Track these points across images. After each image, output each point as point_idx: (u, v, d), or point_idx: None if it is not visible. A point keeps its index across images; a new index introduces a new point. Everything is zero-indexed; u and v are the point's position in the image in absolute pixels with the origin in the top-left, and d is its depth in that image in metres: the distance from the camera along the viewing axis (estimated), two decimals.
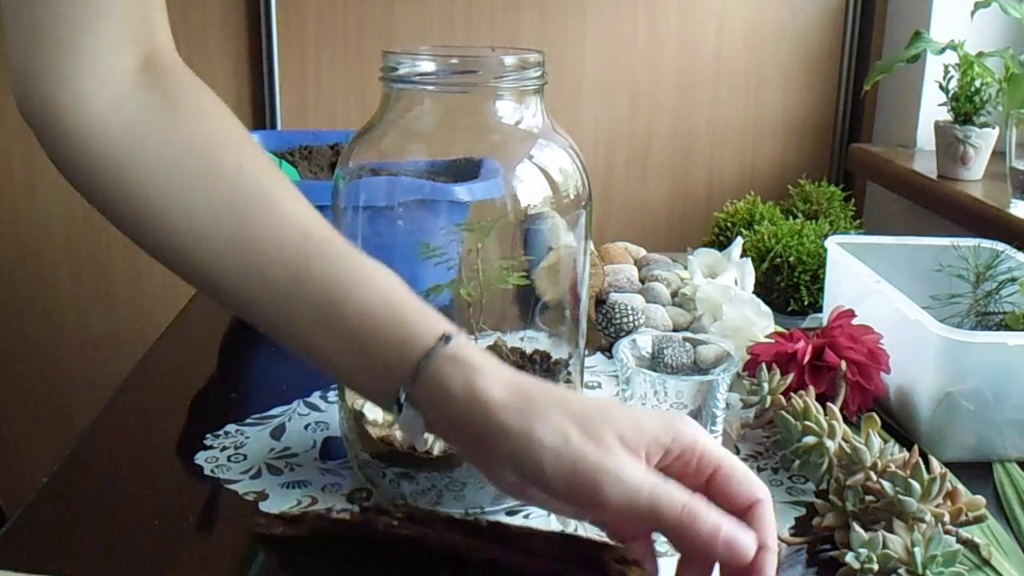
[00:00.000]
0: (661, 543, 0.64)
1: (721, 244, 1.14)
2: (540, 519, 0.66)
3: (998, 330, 0.85)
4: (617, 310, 0.93)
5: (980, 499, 0.64)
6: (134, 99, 0.56)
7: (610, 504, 0.47)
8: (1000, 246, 0.91)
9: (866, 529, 0.59)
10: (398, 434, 0.64)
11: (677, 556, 0.62)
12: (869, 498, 0.61)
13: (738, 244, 1.03)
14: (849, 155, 1.50)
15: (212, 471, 0.71)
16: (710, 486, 0.50)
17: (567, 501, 0.49)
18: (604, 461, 0.47)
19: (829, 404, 0.71)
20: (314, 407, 0.81)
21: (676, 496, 0.47)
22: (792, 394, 0.73)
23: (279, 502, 0.66)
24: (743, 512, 0.50)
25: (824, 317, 0.89)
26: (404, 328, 0.52)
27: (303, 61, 1.45)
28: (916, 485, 0.60)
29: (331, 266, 0.54)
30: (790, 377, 0.77)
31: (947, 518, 0.61)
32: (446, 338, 0.51)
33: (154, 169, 0.55)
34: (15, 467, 1.57)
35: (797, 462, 0.69)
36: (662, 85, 1.51)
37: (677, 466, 0.50)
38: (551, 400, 0.50)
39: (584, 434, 0.48)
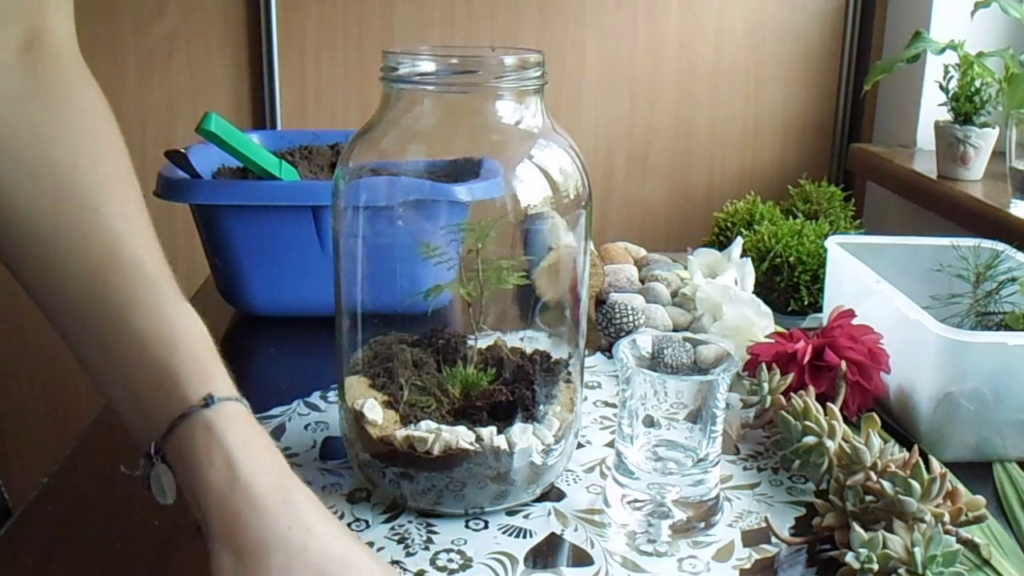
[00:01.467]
0: (661, 544, 0.64)
1: (721, 244, 1.14)
2: (540, 519, 0.66)
3: (998, 330, 0.85)
4: (617, 310, 0.93)
5: (980, 499, 0.64)
6: (2, 78, 0.53)
7: None
8: (1000, 246, 0.91)
9: (866, 529, 0.59)
10: (398, 434, 0.64)
11: (675, 557, 0.62)
12: (869, 498, 0.61)
13: (738, 244, 1.03)
14: (849, 155, 1.50)
15: None
16: None
17: None
18: None
19: (829, 404, 0.71)
20: (314, 407, 0.81)
21: None
22: (792, 394, 0.73)
23: None
24: None
25: (824, 317, 0.89)
26: (173, 378, 0.48)
27: (303, 61, 1.45)
28: (916, 485, 0.60)
29: (126, 291, 0.50)
30: (790, 377, 0.77)
31: (947, 518, 0.61)
32: (208, 400, 0.47)
33: None
34: (15, 467, 1.57)
35: (797, 462, 0.69)
36: (662, 85, 1.51)
37: None
38: (287, 531, 0.45)
39: None
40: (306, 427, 0.78)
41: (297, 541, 0.45)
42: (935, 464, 0.62)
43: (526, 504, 0.67)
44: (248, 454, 0.47)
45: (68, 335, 0.52)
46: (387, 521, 0.65)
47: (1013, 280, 0.86)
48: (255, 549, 0.44)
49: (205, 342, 0.51)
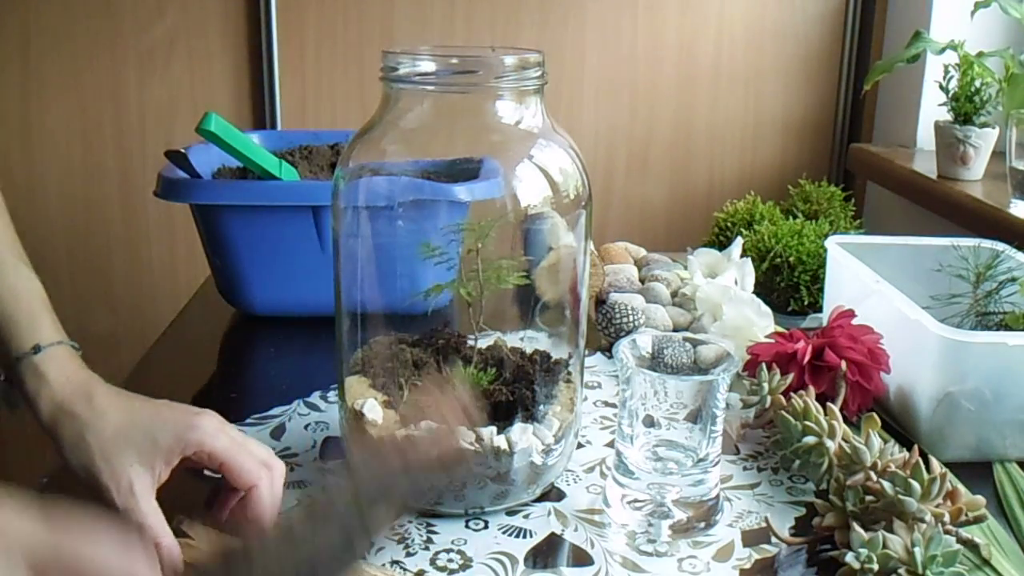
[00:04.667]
0: (661, 544, 0.64)
1: (721, 244, 1.14)
2: (540, 519, 0.66)
3: (998, 330, 0.85)
4: (617, 310, 0.93)
5: (980, 499, 0.64)
6: None
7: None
8: (1000, 246, 0.91)
9: (866, 529, 0.59)
10: (398, 434, 0.64)
11: (675, 557, 0.62)
12: (869, 498, 0.61)
13: (738, 244, 1.03)
14: (849, 155, 1.50)
15: (212, 471, 0.71)
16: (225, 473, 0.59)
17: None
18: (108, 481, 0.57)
19: (829, 404, 0.71)
20: (314, 407, 0.81)
21: (150, 516, 0.57)
22: (792, 394, 0.73)
23: None
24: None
25: (824, 317, 0.89)
26: (12, 328, 0.61)
27: (303, 61, 1.45)
28: (916, 485, 0.60)
29: None
30: (790, 377, 0.77)
31: (947, 518, 0.61)
32: (36, 348, 0.60)
33: None
34: (15, 467, 1.57)
35: (797, 462, 0.69)
36: (662, 85, 1.51)
37: (196, 459, 0.59)
38: (88, 419, 0.58)
39: (103, 458, 0.57)
40: (306, 427, 0.78)
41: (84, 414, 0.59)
42: (935, 464, 0.62)
43: (526, 504, 0.67)
44: (65, 382, 0.61)
45: None
46: None
47: (1013, 280, 0.86)
48: (78, 413, 0.59)
49: (39, 296, 0.64)
